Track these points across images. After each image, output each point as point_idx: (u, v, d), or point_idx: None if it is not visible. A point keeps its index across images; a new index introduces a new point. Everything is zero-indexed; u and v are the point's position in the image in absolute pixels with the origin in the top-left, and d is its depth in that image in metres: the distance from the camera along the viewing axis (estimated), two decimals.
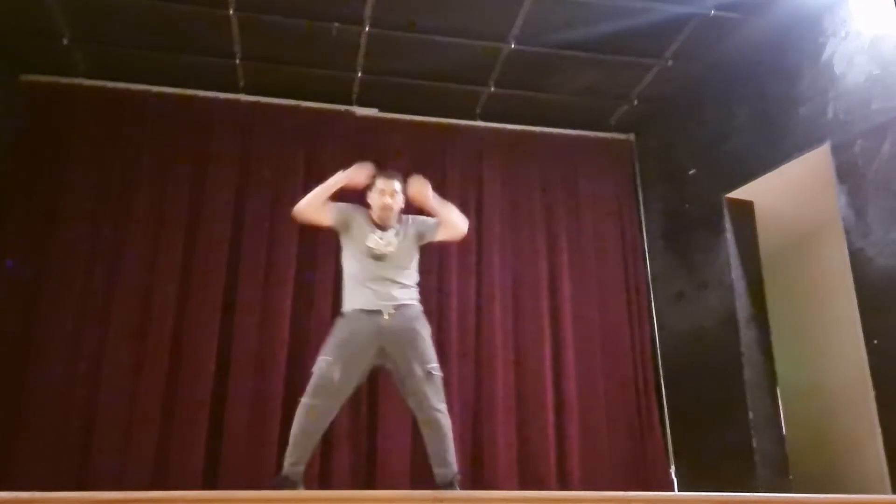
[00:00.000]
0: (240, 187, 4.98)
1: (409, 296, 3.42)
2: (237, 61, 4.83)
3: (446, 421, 3.29)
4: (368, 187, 3.53)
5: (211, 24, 4.43)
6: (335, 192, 3.48)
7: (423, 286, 3.50)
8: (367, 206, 3.54)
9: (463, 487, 3.35)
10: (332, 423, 4.52)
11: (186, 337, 4.61)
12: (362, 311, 3.31)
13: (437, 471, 3.27)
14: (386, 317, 3.28)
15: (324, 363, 3.23)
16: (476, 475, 4.68)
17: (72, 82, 4.98)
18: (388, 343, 3.29)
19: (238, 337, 4.64)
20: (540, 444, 4.86)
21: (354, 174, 3.47)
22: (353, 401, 4.67)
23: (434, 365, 3.31)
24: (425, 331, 3.38)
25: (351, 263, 3.45)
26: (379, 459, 4.63)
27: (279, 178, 5.03)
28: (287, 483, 3.17)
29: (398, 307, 3.32)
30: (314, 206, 3.45)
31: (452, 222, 3.54)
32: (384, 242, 3.39)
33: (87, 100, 4.99)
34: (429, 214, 3.55)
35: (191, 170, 4.95)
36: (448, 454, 3.26)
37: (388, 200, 3.44)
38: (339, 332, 3.32)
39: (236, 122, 5.12)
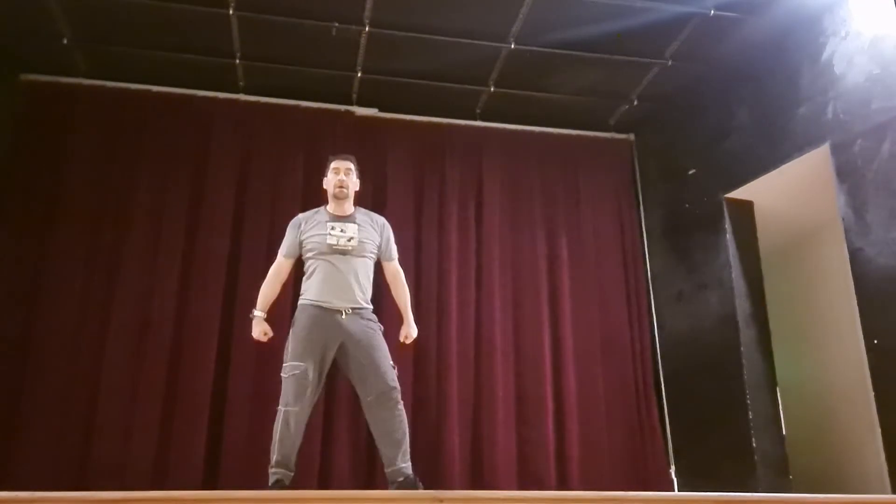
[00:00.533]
0: (240, 187, 4.98)
1: (366, 298, 3.55)
2: (237, 61, 4.83)
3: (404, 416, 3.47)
4: (324, 173, 3.72)
5: (211, 24, 4.43)
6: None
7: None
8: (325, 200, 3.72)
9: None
10: (333, 424, 4.60)
11: (186, 337, 4.61)
12: (321, 307, 3.42)
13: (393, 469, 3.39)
14: (343, 316, 3.42)
15: (298, 370, 3.33)
16: (476, 475, 4.67)
17: (72, 82, 4.98)
18: (347, 338, 3.41)
19: (238, 337, 4.64)
20: (540, 444, 4.86)
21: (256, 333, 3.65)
22: (353, 401, 4.69)
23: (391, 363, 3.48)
24: (380, 331, 3.53)
25: (315, 259, 3.54)
26: (379, 459, 4.61)
27: (279, 177, 5.03)
28: (281, 487, 3.24)
29: (356, 310, 3.46)
30: (279, 287, 3.71)
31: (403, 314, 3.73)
32: (346, 237, 3.52)
33: (87, 100, 4.99)
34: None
35: (191, 170, 4.95)
36: (405, 450, 3.41)
37: (343, 177, 3.63)
38: (302, 334, 3.41)
39: (236, 122, 5.12)
